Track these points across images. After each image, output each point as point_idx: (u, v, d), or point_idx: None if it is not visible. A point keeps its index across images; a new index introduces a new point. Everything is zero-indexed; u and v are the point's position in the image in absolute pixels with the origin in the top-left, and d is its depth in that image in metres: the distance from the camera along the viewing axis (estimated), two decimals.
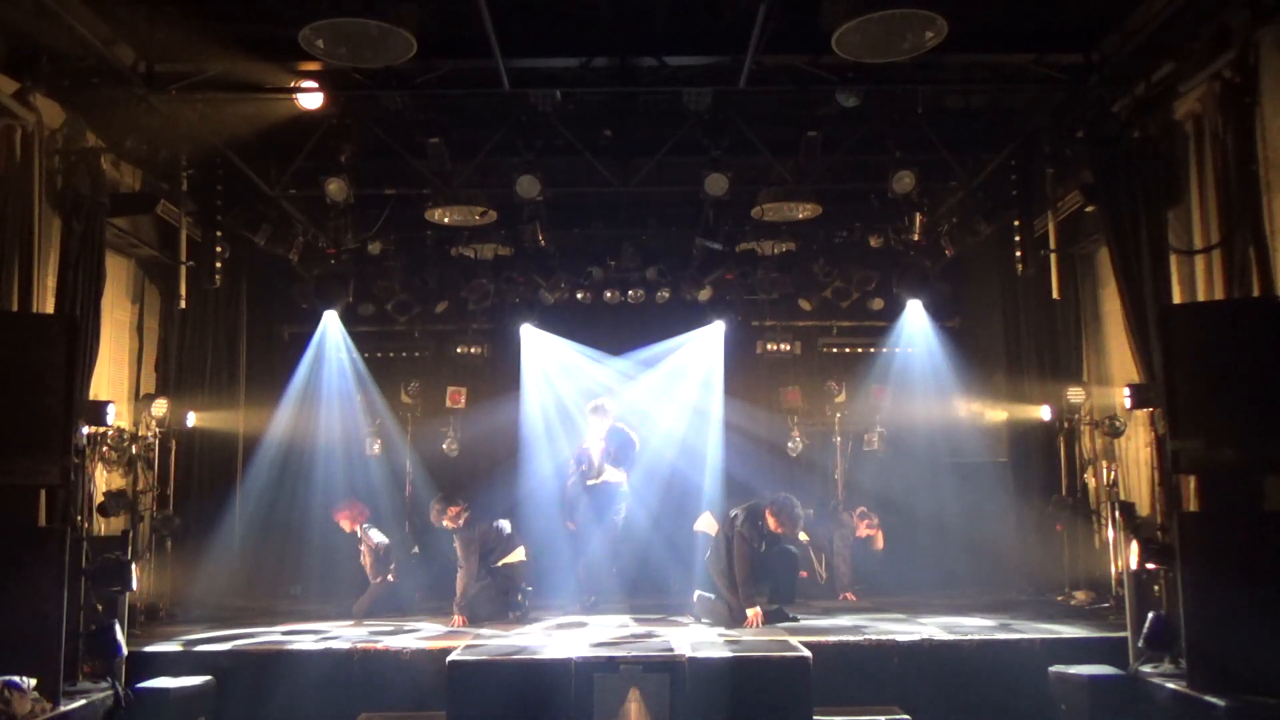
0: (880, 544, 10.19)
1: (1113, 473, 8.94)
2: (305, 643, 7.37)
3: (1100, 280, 9.44)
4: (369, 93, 7.66)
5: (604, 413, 9.82)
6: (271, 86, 7.59)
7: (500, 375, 11.67)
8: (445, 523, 8.82)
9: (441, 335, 11.75)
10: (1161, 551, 6.33)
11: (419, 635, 7.74)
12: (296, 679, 6.74)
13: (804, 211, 9.28)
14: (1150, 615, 6.29)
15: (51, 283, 7.17)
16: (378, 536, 9.35)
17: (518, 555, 8.88)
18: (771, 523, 8.39)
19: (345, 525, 9.45)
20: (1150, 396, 6.89)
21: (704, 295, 11.27)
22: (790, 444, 11.31)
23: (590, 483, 9.61)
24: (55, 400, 6.08)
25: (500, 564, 8.75)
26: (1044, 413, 9.89)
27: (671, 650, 6.46)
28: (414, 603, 9.31)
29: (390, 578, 9.20)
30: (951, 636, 7.20)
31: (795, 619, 8.28)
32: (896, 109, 8.42)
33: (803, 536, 10.22)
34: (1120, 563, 7.81)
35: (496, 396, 11.46)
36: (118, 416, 8.09)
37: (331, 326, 10.94)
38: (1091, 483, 9.39)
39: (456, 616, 8.42)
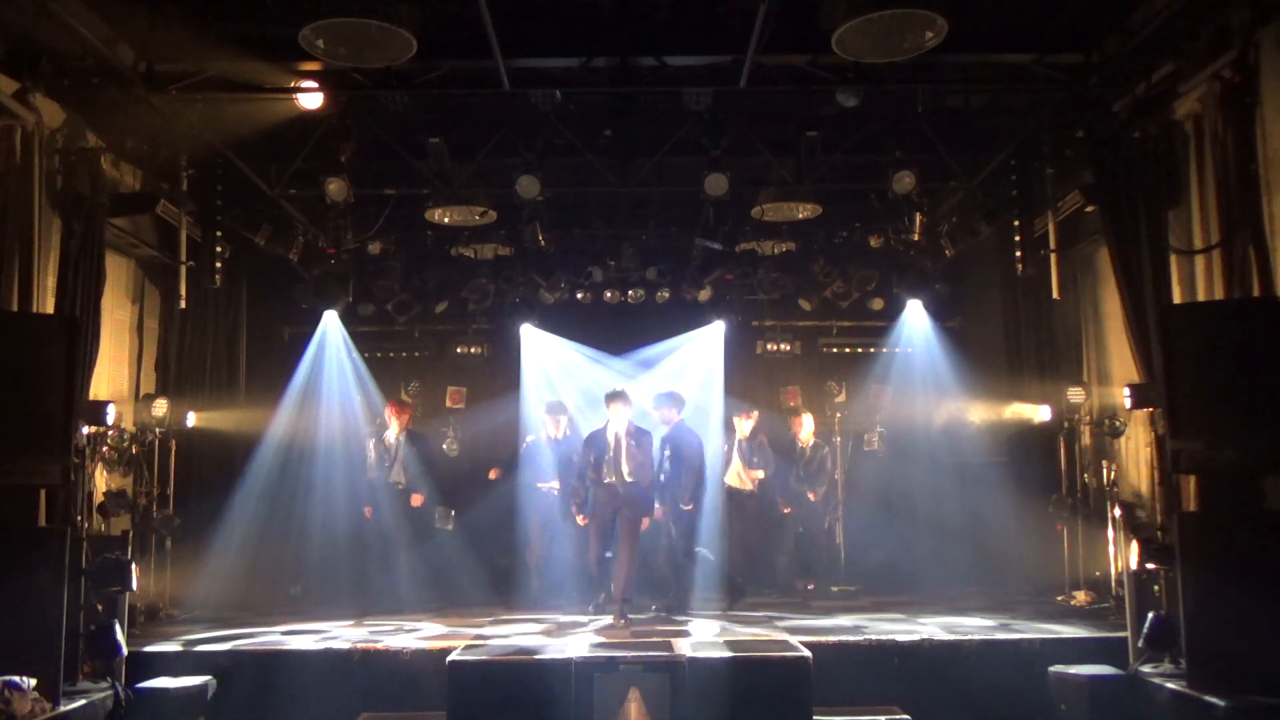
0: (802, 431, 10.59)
1: (1113, 473, 8.93)
2: (305, 643, 7.37)
3: (1100, 280, 9.42)
4: (369, 93, 7.65)
5: (627, 402, 8.81)
6: (271, 86, 7.58)
7: (500, 375, 11.68)
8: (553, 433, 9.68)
9: (441, 335, 11.76)
10: (1161, 551, 6.32)
11: (419, 635, 7.74)
12: (296, 679, 6.73)
13: (804, 211, 9.30)
14: (1150, 615, 6.27)
15: (51, 283, 7.17)
16: (391, 437, 9.70)
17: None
18: (661, 416, 9.11)
19: (388, 415, 9.86)
20: (1150, 396, 6.89)
21: (704, 295, 11.27)
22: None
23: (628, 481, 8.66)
24: (55, 400, 6.06)
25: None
26: (1044, 413, 9.88)
27: (671, 650, 6.46)
28: (414, 603, 9.30)
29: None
30: (951, 636, 7.20)
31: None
32: (896, 109, 8.42)
33: (810, 496, 10.46)
34: (1120, 563, 7.81)
35: (496, 396, 11.47)
36: (118, 416, 8.08)
37: (331, 326, 10.94)
38: (1092, 483, 9.39)
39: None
